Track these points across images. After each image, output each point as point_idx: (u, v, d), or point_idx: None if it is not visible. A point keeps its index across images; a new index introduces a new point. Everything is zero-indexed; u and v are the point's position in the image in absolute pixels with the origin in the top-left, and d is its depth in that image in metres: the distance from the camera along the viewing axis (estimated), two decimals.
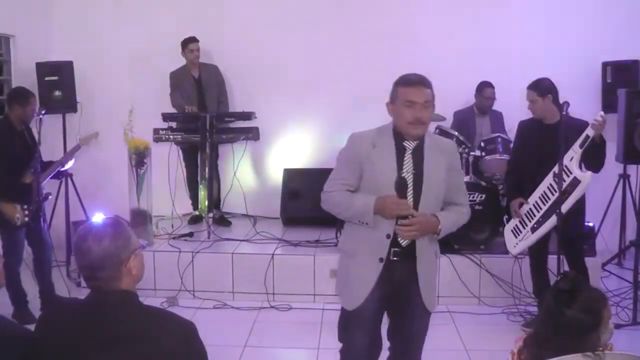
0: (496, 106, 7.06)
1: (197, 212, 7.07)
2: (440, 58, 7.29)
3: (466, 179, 6.04)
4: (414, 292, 3.19)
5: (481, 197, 5.91)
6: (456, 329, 5.29)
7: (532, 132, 4.98)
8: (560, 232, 4.83)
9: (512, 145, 6.31)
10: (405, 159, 3.11)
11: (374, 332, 3.33)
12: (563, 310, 2.23)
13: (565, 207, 4.72)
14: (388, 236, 3.11)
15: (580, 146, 4.68)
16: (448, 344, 5.00)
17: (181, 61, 7.12)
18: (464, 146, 6.19)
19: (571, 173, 4.72)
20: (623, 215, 6.82)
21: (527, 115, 5.96)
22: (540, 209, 4.90)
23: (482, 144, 6.28)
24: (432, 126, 6.40)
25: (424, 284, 3.19)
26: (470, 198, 5.87)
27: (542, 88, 4.90)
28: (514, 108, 7.06)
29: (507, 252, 5.83)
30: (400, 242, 3.12)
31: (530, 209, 4.98)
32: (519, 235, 5.11)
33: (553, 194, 4.79)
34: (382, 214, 3.04)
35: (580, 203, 4.89)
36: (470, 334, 5.18)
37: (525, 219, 5.02)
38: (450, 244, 5.93)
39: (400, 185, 3.03)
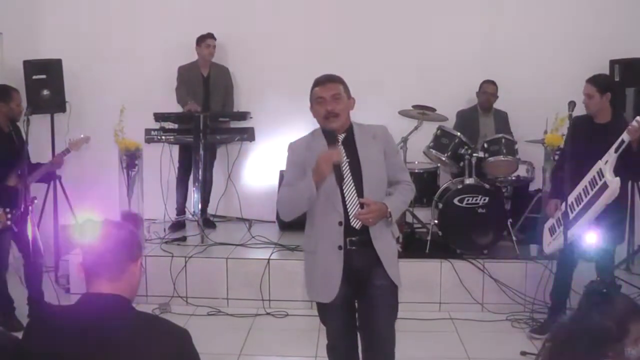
0: (501, 106, 7.06)
1: (180, 218, 7.07)
2: (444, 57, 7.33)
3: (469, 181, 6.05)
4: (376, 275, 3.41)
5: (484, 200, 5.91)
6: (459, 337, 5.29)
7: (582, 129, 4.88)
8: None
9: (518, 145, 6.35)
10: (341, 165, 3.35)
11: (350, 320, 3.53)
12: (591, 312, 2.24)
13: (592, 213, 4.75)
14: (340, 223, 3.36)
15: (615, 150, 4.65)
16: (450, 352, 5.02)
17: (174, 60, 7.13)
18: (466, 147, 6.19)
19: (603, 177, 4.71)
20: (632, 219, 6.81)
21: (531, 114, 6.02)
22: (574, 209, 4.89)
23: (485, 145, 6.26)
24: (433, 126, 6.43)
25: (388, 262, 3.41)
26: (473, 201, 5.89)
27: (603, 84, 4.84)
28: (518, 108, 7.10)
29: (511, 256, 5.92)
30: (353, 225, 3.36)
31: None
32: (553, 234, 5.14)
33: (586, 196, 4.80)
34: (321, 171, 3.26)
35: (619, 212, 4.91)
36: (473, 341, 5.19)
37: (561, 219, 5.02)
38: (452, 249, 5.95)
39: (330, 136, 3.36)
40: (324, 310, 3.54)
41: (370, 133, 3.49)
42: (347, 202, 3.36)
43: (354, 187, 3.36)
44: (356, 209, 3.33)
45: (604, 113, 4.85)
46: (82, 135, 5.86)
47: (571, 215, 4.89)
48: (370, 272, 3.40)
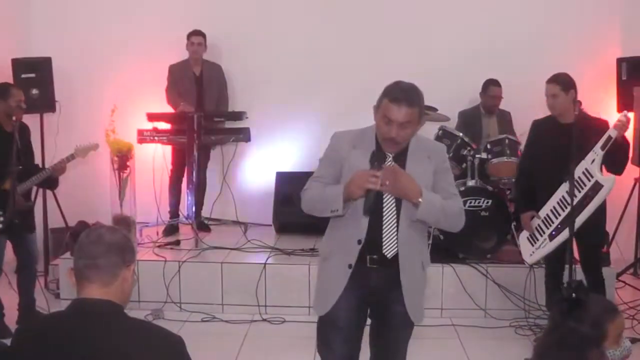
0: (505, 105, 7.08)
1: (174, 221, 7.08)
2: (444, 55, 7.34)
3: (471, 183, 6.07)
4: (395, 300, 3.22)
5: (487, 202, 5.93)
6: (461, 344, 5.31)
7: (547, 131, 4.94)
8: (578, 241, 4.88)
9: (522, 146, 6.35)
10: (385, 164, 3.12)
11: (353, 343, 3.35)
12: (565, 321, 2.26)
13: (585, 214, 4.74)
14: (359, 242, 3.15)
15: (602, 148, 4.66)
16: None
17: (167, 58, 7.14)
18: (469, 148, 6.21)
19: (592, 177, 4.70)
20: (639, 222, 6.83)
21: (536, 114, 5.98)
22: (559, 215, 4.86)
23: (489, 146, 6.27)
24: (435, 126, 6.44)
25: (408, 294, 3.21)
26: (476, 203, 5.91)
27: (566, 82, 4.87)
28: (522, 107, 7.10)
29: (515, 260, 5.90)
30: (386, 253, 3.15)
31: (547, 214, 4.96)
32: (535, 242, 5.09)
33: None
34: (351, 191, 3.04)
35: (601, 209, 4.89)
36: (475, 348, 5.20)
37: (543, 226, 5.00)
38: (454, 253, 5.96)
39: (376, 158, 3.08)
40: (325, 325, 3.33)
41: (427, 152, 3.25)
42: (384, 222, 3.14)
43: (395, 209, 3.15)
44: (392, 232, 3.14)
45: (569, 112, 4.85)
46: (90, 142, 5.75)
47: (557, 221, 4.89)
48: (389, 295, 3.22)
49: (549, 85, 4.92)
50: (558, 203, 4.89)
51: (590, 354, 2.23)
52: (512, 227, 6.07)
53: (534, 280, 5.69)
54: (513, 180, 6.33)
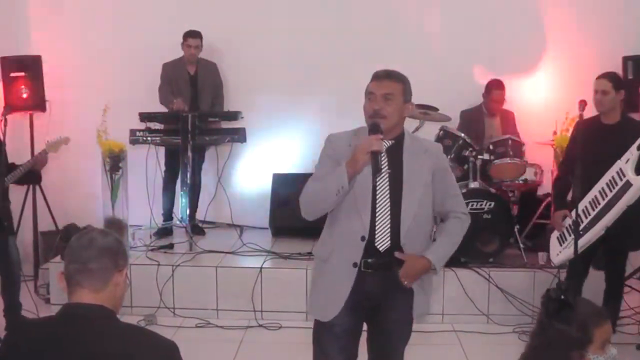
0: (508, 106, 7.06)
1: (167, 224, 7.06)
2: (445, 53, 7.33)
3: (473, 185, 6.07)
4: (390, 306, 3.24)
5: (490, 205, 5.92)
6: (463, 350, 5.31)
7: (588, 131, 4.86)
8: (609, 243, 4.90)
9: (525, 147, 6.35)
10: (380, 156, 3.11)
11: (350, 351, 3.34)
12: (551, 321, 2.29)
13: (613, 214, 4.72)
14: (363, 238, 3.14)
15: (638, 148, 4.65)
16: None
17: (161, 57, 7.12)
18: (471, 149, 6.20)
19: (624, 176, 4.70)
20: None
21: (539, 114, 6.04)
22: (589, 214, 4.85)
23: (491, 147, 6.27)
24: (436, 127, 6.44)
25: (419, 296, 3.28)
26: (478, 206, 5.90)
27: (618, 81, 4.89)
28: (526, 107, 7.11)
29: (518, 264, 5.94)
30: (378, 246, 3.15)
31: (578, 214, 4.96)
32: (563, 242, 5.08)
33: (604, 199, 4.77)
34: (355, 159, 3.01)
35: (636, 213, 4.87)
36: (478, 355, 5.21)
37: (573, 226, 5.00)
38: (455, 257, 5.94)
39: (373, 126, 3.10)
40: (321, 331, 3.31)
41: (423, 147, 3.27)
42: (377, 216, 3.14)
43: (388, 203, 3.15)
44: (386, 228, 3.14)
45: (614, 112, 4.88)
46: (60, 136, 5.82)
47: (586, 221, 4.87)
48: (386, 301, 3.23)
49: (601, 81, 4.92)
50: (590, 203, 4.88)
51: (572, 355, 2.25)
52: (515, 230, 6.08)
53: (537, 284, 5.70)
54: (516, 182, 6.36)
